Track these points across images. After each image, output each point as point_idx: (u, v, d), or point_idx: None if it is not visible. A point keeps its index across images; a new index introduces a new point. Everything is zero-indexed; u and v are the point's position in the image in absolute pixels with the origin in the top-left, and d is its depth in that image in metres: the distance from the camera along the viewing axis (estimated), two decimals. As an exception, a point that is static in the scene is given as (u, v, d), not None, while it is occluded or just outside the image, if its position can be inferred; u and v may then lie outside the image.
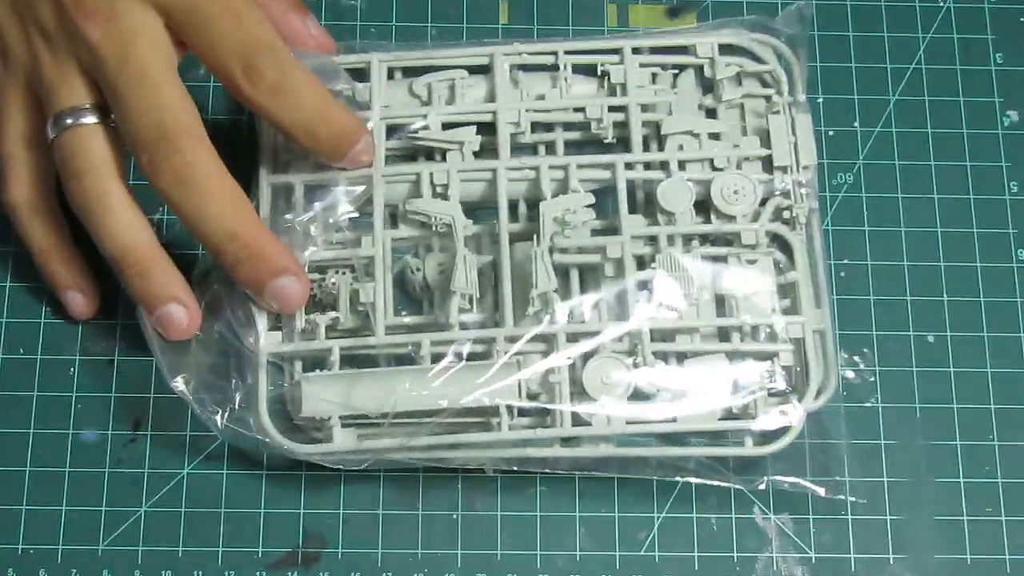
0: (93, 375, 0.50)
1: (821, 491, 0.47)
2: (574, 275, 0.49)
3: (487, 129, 0.50)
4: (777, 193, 0.49)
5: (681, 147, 0.50)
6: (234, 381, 0.47)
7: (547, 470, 0.47)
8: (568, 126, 0.51)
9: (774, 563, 0.47)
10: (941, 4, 0.55)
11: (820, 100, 0.53)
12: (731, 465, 0.47)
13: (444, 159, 0.50)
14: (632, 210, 0.49)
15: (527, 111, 0.50)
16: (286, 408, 0.47)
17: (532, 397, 0.46)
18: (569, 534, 0.48)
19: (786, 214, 0.49)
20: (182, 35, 0.46)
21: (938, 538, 0.48)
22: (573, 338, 0.47)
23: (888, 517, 0.48)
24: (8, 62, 0.47)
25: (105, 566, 0.47)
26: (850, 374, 0.50)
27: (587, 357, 0.47)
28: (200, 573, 0.47)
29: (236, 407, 0.47)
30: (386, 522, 0.48)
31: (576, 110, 0.50)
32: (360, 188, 0.49)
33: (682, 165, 0.49)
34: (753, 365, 0.47)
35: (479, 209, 0.50)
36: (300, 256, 0.48)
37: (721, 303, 0.48)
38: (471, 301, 0.47)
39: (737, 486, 0.47)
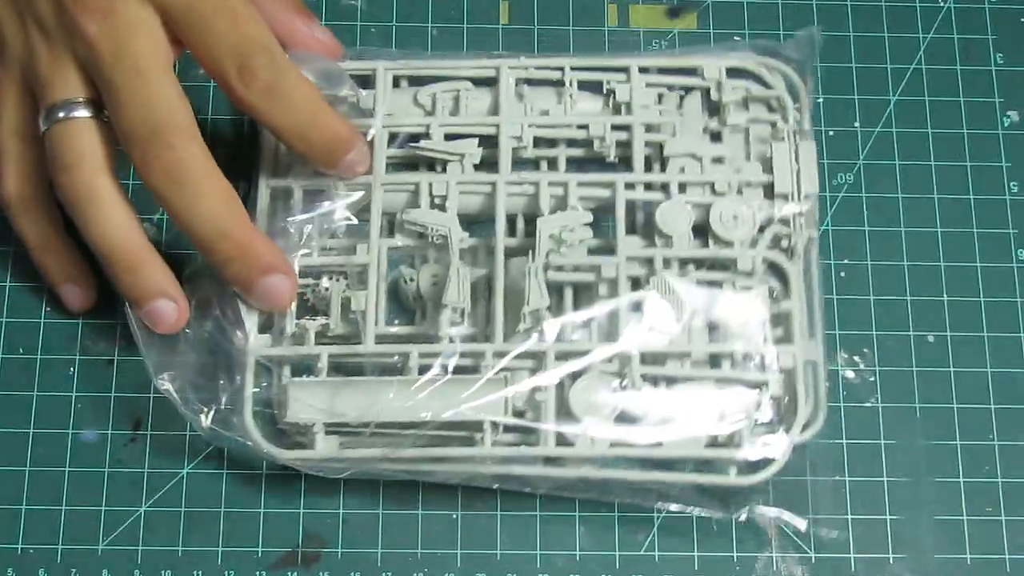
0: (93, 375, 0.50)
1: (802, 524, 0.47)
2: (568, 293, 0.48)
3: (489, 142, 0.50)
4: (776, 221, 0.49)
5: (683, 169, 0.49)
6: (221, 381, 0.47)
7: (527, 489, 0.47)
8: (571, 143, 0.51)
9: (774, 563, 0.47)
10: (941, 4, 0.55)
11: (820, 100, 0.53)
12: (714, 493, 0.47)
13: (444, 170, 0.50)
14: (631, 230, 0.49)
15: (530, 126, 0.50)
16: (273, 411, 0.47)
17: (518, 414, 0.46)
18: (569, 534, 0.48)
19: (784, 242, 0.49)
20: (179, 33, 0.46)
21: (938, 538, 0.48)
22: (562, 356, 0.47)
23: (888, 517, 0.48)
24: (4, 55, 0.47)
25: (105, 566, 0.47)
26: (850, 374, 0.50)
27: (575, 377, 0.46)
28: (200, 573, 0.47)
29: (222, 407, 0.47)
30: (386, 522, 0.48)
31: (579, 127, 0.50)
32: (359, 194, 0.49)
33: (683, 188, 0.49)
34: (742, 393, 0.47)
35: (477, 222, 0.50)
36: (291, 258, 0.48)
37: (713, 329, 0.48)
38: (462, 315, 0.47)
39: (718, 516, 0.47)
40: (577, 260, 0.48)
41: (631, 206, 0.49)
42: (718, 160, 0.50)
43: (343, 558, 0.48)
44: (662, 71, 0.51)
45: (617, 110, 0.50)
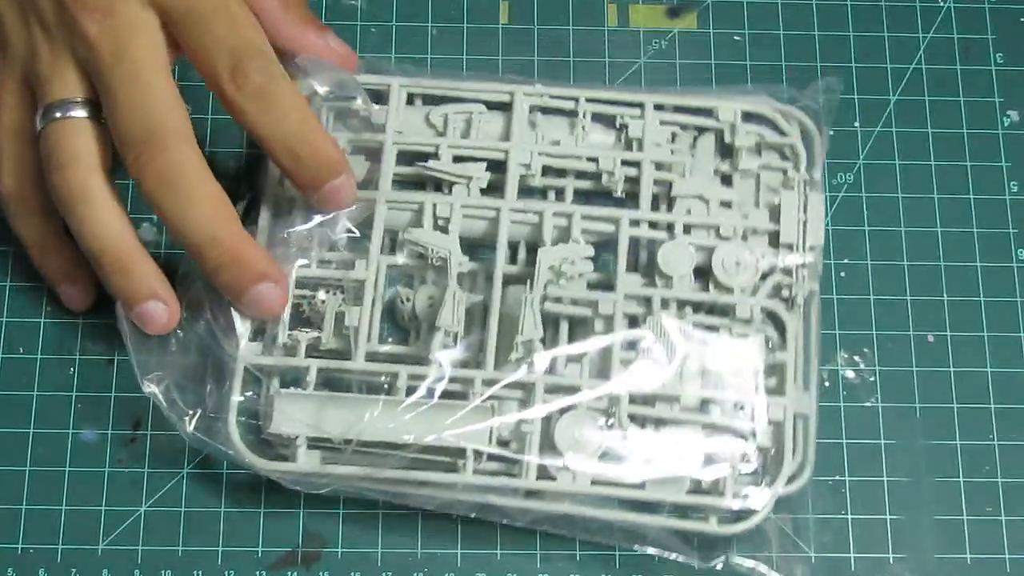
0: (93, 375, 0.50)
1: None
2: (563, 326, 0.48)
3: (498, 167, 0.50)
4: (779, 270, 0.48)
5: (689, 211, 0.49)
6: (208, 387, 0.47)
7: (505, 521, 0.46)
8: (579, 174, 0.50)
9: (774, 563, 0.47)
10: (941, 4, 0.55)
11: (820, 100, 0.53)
12: (693, 539, 0.47)
13: (450, 192, 0.49)
14: (632, 268, 0.49)
15: (540, 154, 0.50)
16: (258, 420, 0.47)
17: (502, 443, 0.46)
18: (569, 538, 0.48)
19: (785, 292, 0.48)
20: (176, 34, 0.46)
21: (938, 538, 0.48)
22: (552, 389, 0.46)
23: (888, 517, 0.48)
24: (7, 54, 0.47)
25: (105, 566, 0.47)
26: (850, 374, 0.50)
27: (563, 411, 0.46)
28: (200, 573, 0.47)
29: (208, 413, 0.47)
30: (386, 522, 0.48)
31: (589, 159, 0.50)
32: (361, 208, 0.49)
33: (688, 229, 0.49)
34: (729, 441, 0.46)
35: (479, 247, 0.49)
36: (288, 268, 0.47)
37: (706, 374, 0.47)
38: (455, 339, 0.47)
39: (695, 563, 0.46)
40: (575, 294, 0.48)
41: (634, 243, 0.49)
42: (726, 204, 0.49)
43: (343, 558, 0.48)
44: (677, 109, 0.51)
45: (628, 145, 0.50)
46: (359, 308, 0.47)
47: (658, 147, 0.50)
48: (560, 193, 0.50)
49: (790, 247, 0.49)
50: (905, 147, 0.53)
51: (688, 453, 0.46)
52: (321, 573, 0.48)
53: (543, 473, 0.46)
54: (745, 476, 0.46)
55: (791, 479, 0.46)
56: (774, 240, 0.49)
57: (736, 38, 0.54)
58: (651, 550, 0.46)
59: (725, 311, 0.48)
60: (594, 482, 0.46)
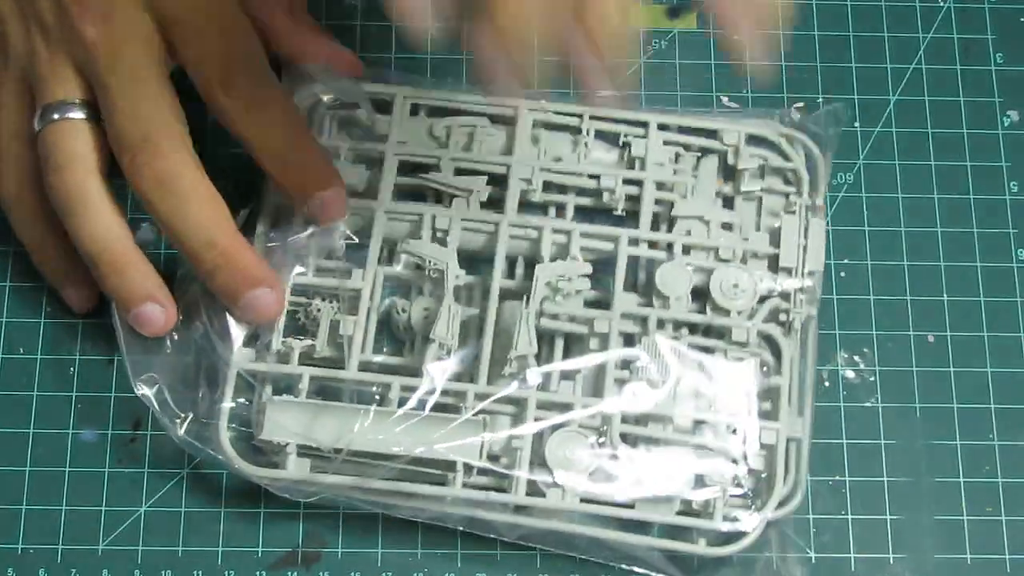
0: (93, 375, 0.50)
1: None
2: (559, 343, 0.48)
3: (499, 181, 0.50)
4: (777, 294, 0.48)
5: (689, 232, 0.49)
6: (201, 391, 0.47)
7: (492, 535, 0.46)
8: (580, 191, 0.50)
9: (774, 563, 0.47)
10: (941, 4, 0.55)
11: (820, 100, 0.53)
12: (681, 560, 0.46)
13: (450, 204, 0.49)
14: (630, 287, 0.48)
15: (542, 170, 0.50)
16: (250, 427, 0.47)
17: (493, 458, 0.46)
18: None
19: (782, 316, 0.48)
20: (171, 40, 0.46)
21: (938, 538, 0.48)
22: (544, 406, 0.46)
23: (888, 517, 0.48)
24: (7, 56, 0.48)
25: (105, 566, 0.47)
26: (850, 374, 0.50)
27: (554, 427, 0.46)
28: (200, 573, 0.47)
29: (200, 417, 0.46)
30: (386, 522, 0.48)
31: (591, 177, 0.50)
32: (360, 218, 0.49)
33: (687, 250, 0.49)
34: (721, 463, 0.46)
35: (477, 260, 0.49)
36: (285, 275, 0.47)
37: (700, 396, 0.47)
38: (449, 352, 0.47)
39: None
40: (571, 311, 0.48)
41: (633, 262, 0.49)
42: (726, 226, 0.49)
43: (343, 558, 0.48)
44: (681, 130, 0.51)
45: (631, 164, 0.50)
46: (354, 317, 0.47)
47: (660, 167, 0.50)
48: (560, 209, 0.50)
49: (789, 271, 0.48)
50: (905, 147, 0.53)
51: (679, 474, 0.46)
52: (321, 573, 0.48)
53: (533, 489, 0.46)
54: (736, 499, 0.46)
55: (782, 503, 0.46)
56: (773, 264, 0.49)
57: (736, 38, 0.54)
58: (638, 570, 0.46)
59: (721, 333, 0.48)
60: (584, 500, 0.46)
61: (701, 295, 0.48)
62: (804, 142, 0.50)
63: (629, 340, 0.48)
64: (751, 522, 0.46)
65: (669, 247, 0.49)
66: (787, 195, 0.50)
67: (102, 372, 0.50)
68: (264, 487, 0.46)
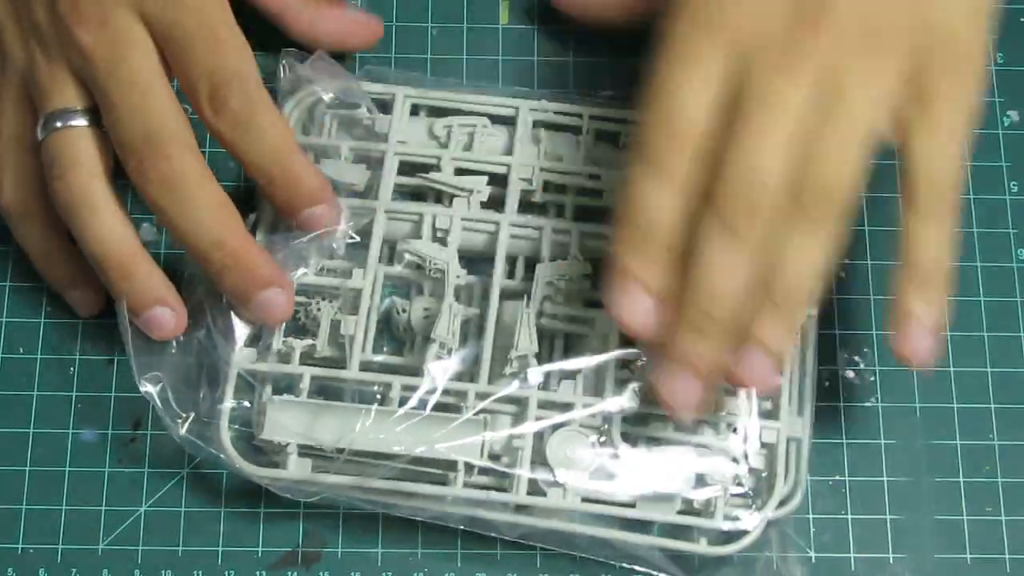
0: (93, 375, 0.50)
1: None
2: (559, 343, 0.48)
3: (499, 181, 0.50)
4: None
5: None
6: (203, 391, 0.47)
7: (493, 534, 0.46)
8: (581, 191, 0.50)
9: (774, 563, 0.47)
10: (941, 4, 0.55)
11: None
12: (682, 559, 0.46)
13: (451, 204, 0.49)
14: None
15: (542, 169, 0.50)
16: (251, 427, 0.47)
17: (494, 457, 0.46)
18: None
19: None
20: (161, 49, 0.46)
21: (938, 538, 0.48)
22: (545, 405, 0.46)
23: (888, 517, 0.48)
24: (6, 65, 0.48)
25: (105, 566, 0.47)
26: (850, 374, 0.50)
27: (555, 426, 0.46)
28: (200, 573, 0.47)
29: (201, 417, 0.46)
30: (386, 522, 0.48)
31: (591, 176, 0.50)
32: (361, 217, 0.49)
33: None
34: (722, 462, 0.46)
35: (478, 260, 0.49)
36: (290, 275, 0.47)
37: None
38: (449, 351, 0.47)
39: None
40: (572, 311, 0.48)
41: None
42: None
43: (343, 558, 0.48)
44: None
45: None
46: (355, 317, 0.47)
47: None
48: (561, 209, 0.50)
49: None
50: (905, 147, 0.53)
51: (680, 473, 0.46)
52: (321, 573, 0.48)
53: (534, 488, 0.46)
54: (736, 498, 0.46)
55: (782, 502, 0.46)
56: None
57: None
58: (639, 569, 0.46)
59: None
60: (585, 499, 0.46)
61: None
62: None
63: (630, 341, 0.48)
64: (752, 521, 0.46)
65: None
66: None
67: (102, 372, 0.50)
68: (264, 487, 0.46)
